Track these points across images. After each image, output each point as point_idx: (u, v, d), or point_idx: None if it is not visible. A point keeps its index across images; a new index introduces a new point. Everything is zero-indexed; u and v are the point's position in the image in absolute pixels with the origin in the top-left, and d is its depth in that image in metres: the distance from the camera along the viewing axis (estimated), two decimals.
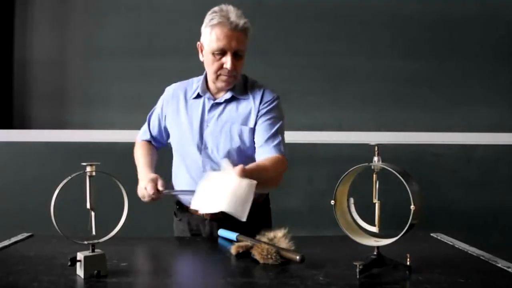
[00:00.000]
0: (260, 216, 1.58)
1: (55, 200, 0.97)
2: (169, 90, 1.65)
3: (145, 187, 1.40)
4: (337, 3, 2.71)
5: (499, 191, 2.72)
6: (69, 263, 0.98)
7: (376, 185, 1.05)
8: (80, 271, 0.99)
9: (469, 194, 2.71)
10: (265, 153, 1.48)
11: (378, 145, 1.04)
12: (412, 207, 0.97)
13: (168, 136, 1.66)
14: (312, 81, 2.69)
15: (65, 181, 0.97)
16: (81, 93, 2.71)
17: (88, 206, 1.00)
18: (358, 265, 0.98)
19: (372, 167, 1.04)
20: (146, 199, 1.41)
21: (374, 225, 1.03)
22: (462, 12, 2.74)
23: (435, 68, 2.74)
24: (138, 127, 2.65)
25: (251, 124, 1.52)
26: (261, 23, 2.70)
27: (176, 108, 1.58)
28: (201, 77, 1.59)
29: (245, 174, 1.23)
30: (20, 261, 1.11)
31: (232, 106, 1.53)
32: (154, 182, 1.40)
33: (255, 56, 2.66)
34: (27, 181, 2.60)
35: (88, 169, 1.00)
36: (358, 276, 0.98)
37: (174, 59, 2.68)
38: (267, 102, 1.53)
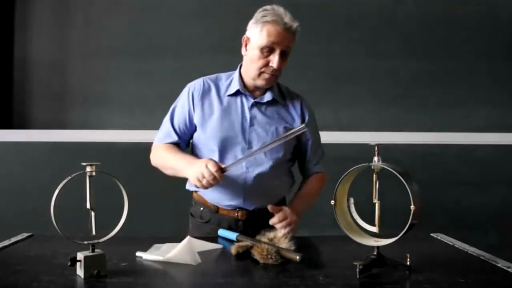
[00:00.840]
0: None
1: (55, 200, 0.97)
2: (197, 84, 1.55)
3: (205, 165, 1.31)
4: (337, 3, 2.71)
5: (499, 191, 2.72)
6: (69, 263, 0.98)
7: (376, 185, 1.05)
8: (80, 271, 0.99)
9: (469, 194, 2.71)
10: (316, 170, 1.61)
11: (378, 145, 1.04)
12: (412, 207, 0.97)
13: (192, 134, 1.56)
14: (312, 81, 2.69)
15: (65, 181, 0.97)
16: (81, 93, 2.72)
17: (88, 206, 1.00)
18: (358, 265, 0.98)
19: (372, 167, 1.04)
20: (205, 179, 1.30)
21: (374, 225, 1.03)
22: (462, 12, 2.75)
23: (435, 68, 2.75)
24: (138, 127, 2.68)
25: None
26: None
27: (209, 104, 1.51)
28: (232, 74, 1.55)
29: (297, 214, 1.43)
30: (20, 261, 1.11)
31: (273, 108, 1.53)
32: (214, 161, 1.33)
33: None
34: (27, 181, 2.60)
35: (88, 169, 1.00)
36: (358, 276, 0.98)
37: (174, 59, 2.68)
38: (309, 114, 1.58)
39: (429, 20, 2.74)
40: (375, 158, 1.04)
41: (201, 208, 1.57)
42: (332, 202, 1.07)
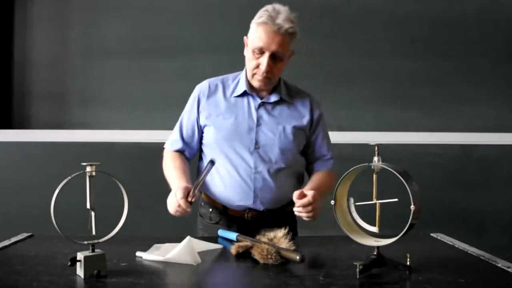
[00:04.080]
0: (288, 216, 1.57)
1: (55, 200, 0.97)
2: (204, 86, 1.55)
3: (175, 193, 1.32)
4: (337, 3, 2.71)
5: (499, 191, 2.72)
6: (69, 263, 0.98)
7: (376, 185, 1.05)
8: (80, 271, 0.99)
9: (469, 194, 2.71)
10: (326, 167, 1.58)
11: (378, 145, 1.04)
12: (412, 207, 0.97)
13: (202, 138, 1.57)
14: (312, 81, 2.68)
15: (65, 181, 0.97)
16: (81, 93, 2.72)
17: (88, 206, 1.00)
18: (358, 265, 0.98)
19: (372, 167, 1.04)
20: (172, 208, 1.33)
21: (374, 225, 1.03)
22: (462, 11, 2.75)
23: (435, 68, 2.75)
24: (138, 127, 2.68)
25: (305, 128, 1.53)
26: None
27: (215, 106, 1.51)
28: (239, 74, 1.55)
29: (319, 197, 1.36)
30: (20, 261, 1.11)
31: (281, 108, 1.52)
32: (186, 190, 1.32)
33: None
34: (27, 181, 2.60)
35: (88, 169, 1.00)
36: (358, 276, 0.98)
37: (174, 59, 2.68)
38: (319, 114, 1.57)
39: (430, 20, 2.74)
40: (375, 158, 1.04)
41: (210, 209, 1.55)
42: (332, 202, 1.07)
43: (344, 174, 1.06)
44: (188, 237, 1.22)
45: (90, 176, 1.00)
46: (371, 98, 2.73)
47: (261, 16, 1.40)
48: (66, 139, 2.63)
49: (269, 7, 1.41)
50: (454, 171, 2.72)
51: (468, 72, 2.75)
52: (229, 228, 1.48)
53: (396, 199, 1.00)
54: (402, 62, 2.73)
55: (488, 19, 2.75)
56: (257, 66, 1.42)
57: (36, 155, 2.62)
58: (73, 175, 0.99)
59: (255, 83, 1.47)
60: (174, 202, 1.32)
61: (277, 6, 1.41)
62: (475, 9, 2.75)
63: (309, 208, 1.31)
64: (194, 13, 2.70)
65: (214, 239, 1.38)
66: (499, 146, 2.73)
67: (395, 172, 0.98)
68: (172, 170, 1.50)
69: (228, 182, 1.47)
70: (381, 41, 2.73)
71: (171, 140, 1.59)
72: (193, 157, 1.61)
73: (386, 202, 1.03)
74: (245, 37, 1.47)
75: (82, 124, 2.69)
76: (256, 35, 1.40)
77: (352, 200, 1.08)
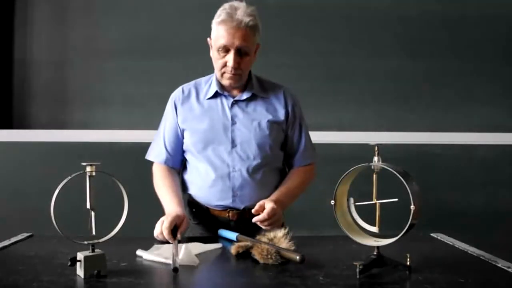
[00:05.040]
0: None
1: (55, 200, 0.97)
2: (177, 93, 1.58)
3: (164, 219, 1.30)
4: (338, 3, 2.71)
5: (499, 191, 2.73)
6: (69, 263, 0.99)
7: (376, 185, 1.05)
8: (80, 271, 0.99)
9: (469, 194, 2.71)
10: (300, 163, 1.59)
11: (378, 145, 1.04)
12: (412, 207, 0.97)
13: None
14: (312, 81, 2.69)
15: (65, 181, 0.97)
16: (81, 93, 2.72)
17: (88, 206, 1.00)
18: (358, 265, 0.98)
19: (372, 167, 1.04)
20: (156, 232, 1.32)
21: (374, 225, 1.03)
22: (462, 12, 2.75)
23: (435, 68, 2.75)
24: (138, 127, 2.68)
25: (281, 122, 1.53)
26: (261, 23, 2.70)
27: (190, 110, 1.53)
28: (211, 77, 1.55)
29: (281, 207, 1.40)
30: (20, 261, 1.11)
31: (254, 104, 1.52)
32: (174, 221, 1.30)
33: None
34: (27, 181, 2.60)
35: (88, 169, 1.00)
36: (358, 276, 0.98)
37: (174, 60, 2.68)
38: (293, 105, 1.56)
39: (429, 20, 2.74)
40: (375, 158, 1.04)
41: (194, 209, 1.56)
42: (332, 202, 1.07)
43: (344, 174, 1.06)
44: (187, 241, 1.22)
45: (90, 176, 1.00)
46: (371, 98, 2.73)
47: (220, 14, 1.40)
48: (66, 139, 2.63)
49: (226, 5, 1.41)
50: (454, 171, 2.72)
51: (468, 72, 2.75)
52: (211, 228, 1.49)
53: (396, 199, 1.00)
54: (402, 62, 2.73)
55: (489, 19, 2.75)
56: (225, 65, 1.43)
57: (36, 155, 2.62)
58: (73, 175, 0.99)
59: (225, 82, 1.47)
60: (157, 229, 1.31)
61: (235, 3, 1.41)
62: (476, 9, 2.75)
63: (266, 223, 1.34)
64: (194, 13, 2.70)
65: (214, 239, 1.38)
66: (499, 146, 2.73)
67: (395, 172, 0.98)
68: (163, 189, 1.50)
69: (207, 182, 1.49)
70: (381, 41, 2.73)
71: (155, 152, 1.58)
72: (181, 165, 1.61)
73: (386, 202, 1.03)
74: (208, 39, 1.48)
75: (82, 124, 2.69)
76: (219, 34, 1.40)
77: (352, 200, 1.08)
